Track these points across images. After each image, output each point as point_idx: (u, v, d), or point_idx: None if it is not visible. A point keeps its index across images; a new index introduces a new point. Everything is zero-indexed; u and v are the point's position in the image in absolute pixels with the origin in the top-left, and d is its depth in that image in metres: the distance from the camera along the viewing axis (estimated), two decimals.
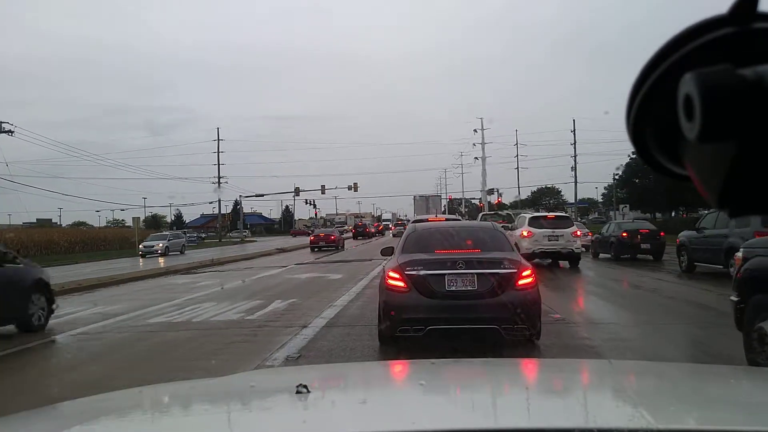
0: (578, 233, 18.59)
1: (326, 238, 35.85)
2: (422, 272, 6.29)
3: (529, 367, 2.38)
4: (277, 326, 8.65)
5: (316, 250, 33.78)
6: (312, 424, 1.35)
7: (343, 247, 36.22)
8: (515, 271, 6.31)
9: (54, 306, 9.58)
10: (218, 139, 71.33)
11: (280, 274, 18.81)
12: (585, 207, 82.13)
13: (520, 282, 6.29)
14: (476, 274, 6.25)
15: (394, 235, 47.94)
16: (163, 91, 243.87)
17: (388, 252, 7.71)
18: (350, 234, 57.99)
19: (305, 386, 1.42)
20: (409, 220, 33.59)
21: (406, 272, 6.32)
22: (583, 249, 20.31)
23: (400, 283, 6.32)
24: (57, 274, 20.29)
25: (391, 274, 6.42)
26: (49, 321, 9.32)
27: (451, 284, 6.25)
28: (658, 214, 51.54)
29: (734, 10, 0.52)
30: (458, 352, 5.42)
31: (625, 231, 20.70)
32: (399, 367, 2.53)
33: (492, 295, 6.15)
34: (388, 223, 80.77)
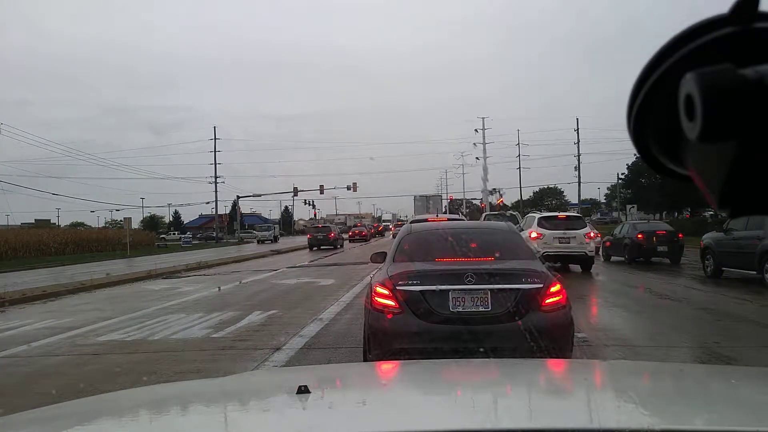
0: (592, 235, 17.05)
1: (359, 233, 52.03)
2: (419, 288, 4.81)
3: (530, 368, 2.28)
4: (245, 348, 7.15)
5: (351, 242, 47.47)
6: (312, 424, 1.33)
7: (368, 241, 48.90)
8: (541, 286, 4.83)
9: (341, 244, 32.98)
10: (215, 138, 70.47)
11: (268, 279, 17.34)
12: (587, 207, 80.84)
13: (548, 301, 4.83)
14: (490, 290, 4.78)
15: (394, 236, 46.65)
16: (164, 91, 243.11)
17: (380, 258, 6.21)
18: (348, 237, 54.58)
19: (305, 387, 1.40)
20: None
21: (398, 287, 4.84)
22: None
23: (390, 302, 4.84)
24: (23, 279, 19.31)
25: (379, 289, 4.94)
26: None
27: (457, 304, 4.78)
28: (664, 214, 50.27)
29: (735, 10, 0.51)
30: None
31: (640, 233, 19.45)
32: (399, 368, 2.49)
33: (511, 319, 4.67)
34: (389, 223, 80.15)
